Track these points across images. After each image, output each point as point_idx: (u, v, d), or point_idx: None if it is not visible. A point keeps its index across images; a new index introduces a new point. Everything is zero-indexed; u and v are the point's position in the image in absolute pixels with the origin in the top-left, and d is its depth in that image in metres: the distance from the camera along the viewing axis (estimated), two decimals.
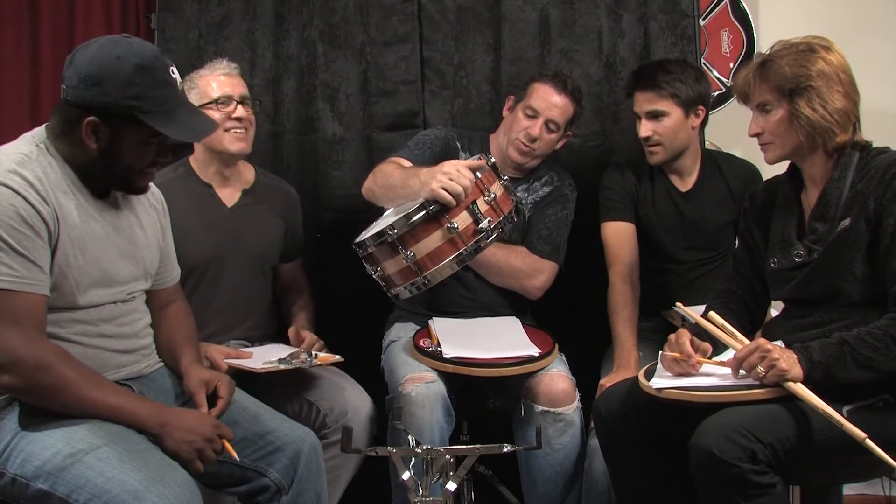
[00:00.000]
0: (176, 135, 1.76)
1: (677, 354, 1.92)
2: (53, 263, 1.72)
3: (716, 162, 2.67)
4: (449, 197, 2.05)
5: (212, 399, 1.91)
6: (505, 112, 2.65)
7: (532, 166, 2.62)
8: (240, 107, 2.43)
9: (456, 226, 2.06)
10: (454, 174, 2.08)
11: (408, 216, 2.07)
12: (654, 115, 2.51)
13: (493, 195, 2.12)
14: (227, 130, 2.41)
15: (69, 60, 1.75)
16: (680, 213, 2.61)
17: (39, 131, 1.80)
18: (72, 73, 1.73)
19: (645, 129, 2.53)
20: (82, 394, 1.70)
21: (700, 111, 2.55)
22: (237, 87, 2.46)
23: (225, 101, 2.42)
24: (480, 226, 2.08)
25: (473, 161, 2.18)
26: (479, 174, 2.11)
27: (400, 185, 2.25)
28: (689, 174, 2.65)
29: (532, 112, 2.53)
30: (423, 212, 2.06)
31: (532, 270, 2.54)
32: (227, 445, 1.81)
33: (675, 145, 2.55)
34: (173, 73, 1.77)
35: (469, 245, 2.07)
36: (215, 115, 2.38)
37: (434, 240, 2.06)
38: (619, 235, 2.60)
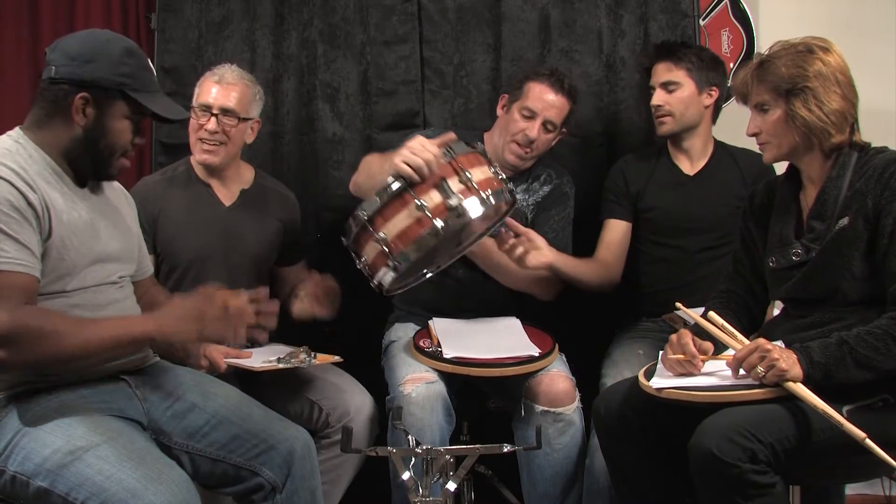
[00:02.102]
0: (159, 111, 1.87)
1: (681, 356, 1.92)
2: (50, 246, 1.75)
3: (729, 151, 2.68)
4: (409, 170, 1.94)
5: None
6: (499, 111, 2.62)
7: (528, 166, 2.61)
8: (213, 120, 2.38)
9: (424, 203, 1.94)
10: (417, 148, 1.98)
11: (377, 194, 1.98)
12: (668, 85, 2.57)
13: (469, 175, 1.97)
14: (198, 140, 2.41)
15: (52, 48, 1.82)
16: (687, 197, 2.62)
17: (15, 131, 1.85)
18: (59, 55, 1.80)
19: (657, 97, 2.58)
20: (72, 339, 1.69)
21: (713, 91, 2.60)
22: (224, 99, 2.40)
23: (204, 109, 2.39)
24: (450, 202, 1.94)
25: (442, 138, 2.07)
26: (454, 151, 2.00)
27: (378, 171, 2.18)
28: (698, 158, 2.66)
29: (529, 113, 2.51)
30: (388, 188, 1.97)
31: (552, 278, 2.53)
32: (235, 300, 1.80)
33: (685, 119, 2.59)
34: (151, 64, 1.89)
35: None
36: (192, 121, 2.39)
37: (402, 219, 1.96)
38: (611, 232, 2.64)
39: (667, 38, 2.83)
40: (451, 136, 2.06)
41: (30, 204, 1.72)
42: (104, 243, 1.88)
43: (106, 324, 1.77)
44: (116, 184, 2.06)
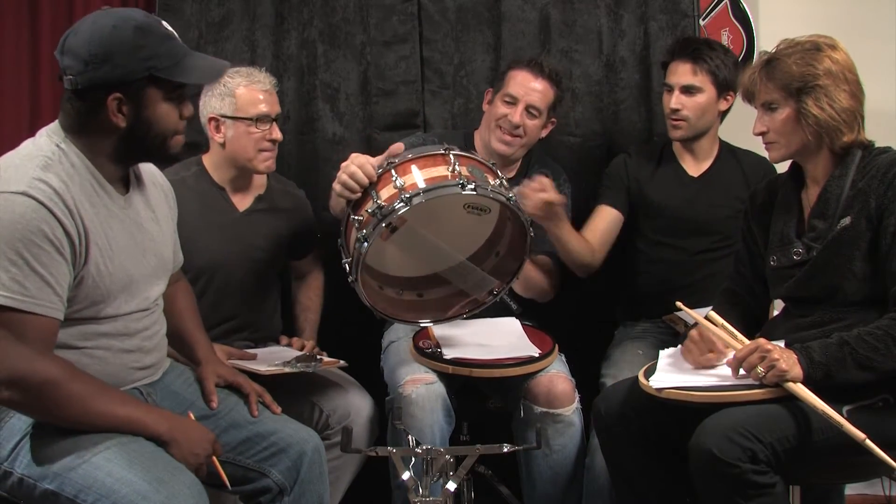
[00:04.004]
0: (197, 80, 1.77)
1: (712, 354, 1.93)
2: (86, 274, 1.68)
3: (733, 152, 2.67)
4: (346, 192, 1.98)
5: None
6: (485, 106, 2.62)
7: (519, 156, 2.58)
8: (276, 127, 2.40)
9: (361, 218, 1.95)
10: (342, 166, 2.00)
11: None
12: (689, 90, 2.52)
13: (402, 182, 1.92)
14: (260, 150, 2.39)
15: (60, 50, 1.67)
16: (690, 198, 2.61)
17: (56, 128, 1.73)
18: (71, 60, 1.65)
19: (676, 101, 2.53)
20: (90, 407, 1.67)
21: (729, 97, 2.57)
22: (275, 106, 2.42)
23: (264, 120, 2.38)
24: (370, 208, 1.92)
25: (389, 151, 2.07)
26: (395, 160, 1.99)
27: (336, 200, 2.17)
28: (704, 159, 2.65)
29: (511, 99, 2.50)
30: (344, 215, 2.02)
31: (553, 283, 2.55)
32: (216, 462, 1.81)
33: (701, 124, 2.57)
34: (167, 26, 1.75)
35: (371, 232, 1.91)
36: (252, 132, 2.36)
37: (352, 237, 2.00)
38: (600, 217, 2.62)
39: (667, 38, 2.83)
40: (397, 147, 2.05)
41: (67, 233, 1.62)
42: (137, 264, 1.80)
43: (120, 405, 1.71)
44: (159, 177, 1.98)
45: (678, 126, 2.56)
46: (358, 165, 1.97)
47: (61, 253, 1.62)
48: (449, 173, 1.93)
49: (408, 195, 1.88)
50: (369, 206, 1.93)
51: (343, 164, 2.00)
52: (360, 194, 1.97)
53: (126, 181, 1.82)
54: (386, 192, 1.94)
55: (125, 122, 1.69)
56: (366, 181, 1.97)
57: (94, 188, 1.72)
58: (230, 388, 2.01)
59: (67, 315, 1.68)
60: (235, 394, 2.01)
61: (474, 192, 1.92)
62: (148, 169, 1.94)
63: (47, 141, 1.71)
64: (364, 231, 1.91)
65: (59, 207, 1.62)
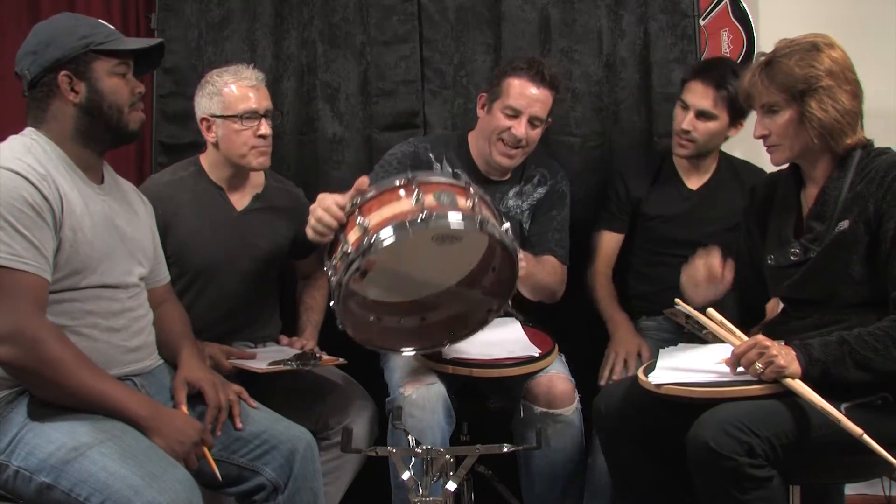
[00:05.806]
0: (131, 47, 1.89)
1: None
2: (63, 238, 1.75)
3: (732, 164, 2.67)
4: (317, 237, 1.94)
5: (194, 399, 1.95)
6: (479, 112, 2.55)
7: (518, 164, 2.56)
8: (264, 122, 2.38)
9: (335, 264, 1.88)
10: (312, 209, 1.96)
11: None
12: (705, 115, 2.48)
13: (367, 223, 1.85)
14: (252, 147, 2.37)
15: (16, 61, 1.86)
16: (689, 211, 2.61)
17: (26, 130, 1.86)
18: (22, 60, 1.85)
19: (689, 122, 2.50)
20: (75, 375, 1.71)
21: (740, 125, 2.53)
22: (263, 101, 2.40)
23: (251, 116, 2.36)
24: (344, 250, 1.85)
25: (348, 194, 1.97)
26: (360, 199, 1.91)
27: None
28: (704, 172, 2.65)
29: (512, 111, 2.42)
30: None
31: (560, 283, 2.55)
32: (207, 454, 1.82)
33: (708, 147, 2.56)
34: (101, 21, 1.93)
35: (343, 278, 1.82)
36: (240, 129, 2.36)
37: (332, 282, 1.92)
38: (605, 242, 2.65)
39: (667, 38, 2.83)
40: (362, 182, 1.95)
41: (45, 198, 1.73)
42: (120, 237, 1.88)
43: (107, 381, 1.76)
44: (133, 187, 2.08)
45: (685, 146, 2.54)
46: (324, 209, 1.92)
47: (42, 217, 1.72)
48: (412, 207, 1.83)
49: (370, 239, 1.80)
50: (339, 251, 1.88)
51: (311, 207, 1.96)
52: (332, 236, 1.93)
53: (99, 174, 1.92)
54: (353, 235, 1.87)
55: (79, 98, 1.83)
56: (334, 224, 1.91)
57: (67, 171, 1.82)
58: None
59: (52, 287, 1.74)
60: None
61: (442, 225, 1.81)
62: (128, 183, 2.07)
63: (19, 138, 1.84)
64: (336, 278, 1.85)
65: (35, 177, 1.73)
